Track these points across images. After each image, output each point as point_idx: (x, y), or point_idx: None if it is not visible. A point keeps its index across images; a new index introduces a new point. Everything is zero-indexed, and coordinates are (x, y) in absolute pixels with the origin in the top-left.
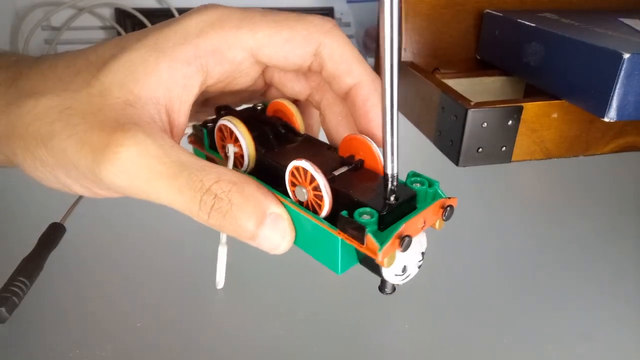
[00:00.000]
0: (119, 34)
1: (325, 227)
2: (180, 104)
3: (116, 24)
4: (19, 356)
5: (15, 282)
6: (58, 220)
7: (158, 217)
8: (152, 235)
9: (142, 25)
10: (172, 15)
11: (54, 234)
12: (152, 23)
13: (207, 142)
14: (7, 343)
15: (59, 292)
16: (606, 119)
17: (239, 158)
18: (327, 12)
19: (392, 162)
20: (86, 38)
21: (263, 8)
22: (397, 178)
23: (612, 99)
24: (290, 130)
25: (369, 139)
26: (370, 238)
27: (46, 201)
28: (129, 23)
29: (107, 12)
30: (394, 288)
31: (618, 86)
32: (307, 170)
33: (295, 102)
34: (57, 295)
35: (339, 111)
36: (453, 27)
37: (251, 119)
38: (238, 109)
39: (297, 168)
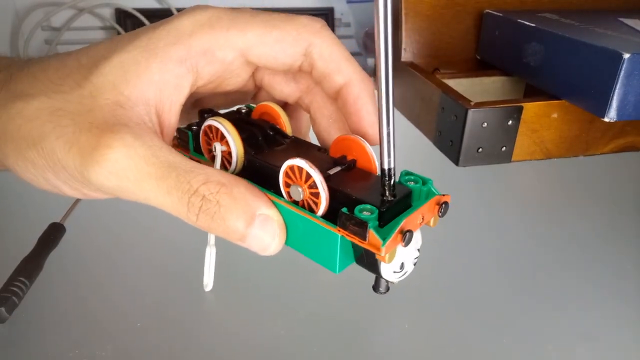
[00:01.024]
0: (119, 34)
1: (324, 225)
2: (171, 104)
3: (116, 24)
4: (19, 356)
5: (15, 282)
6: (58, 221)
7: (158, 218)
8: (151, 235)
9: (142, 26)
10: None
11: (53, 234)
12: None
13: (192, 145)
14: (7, 343)
15: (58, 292)
16: (606, 119)
17: (226, 157)
18: (327, 12)
19: (389, 156)
20: (86, 38)
21: (256, 9)
22: (395, 173)
23: (612, 99)
24: (278, 132)
25: (361, 139)
26: (372, 233)
27: (46, 201)
28: (129, 23)
29: (108, 13)
30: (387, 287)
31: (618, 86)
32: (302, 168)
33: (285, 105)
34: (57, 295)
35: (330, 113)
36: (453, 27)
37: (238, 122)
38: (222, 112)
39: (291, 167)
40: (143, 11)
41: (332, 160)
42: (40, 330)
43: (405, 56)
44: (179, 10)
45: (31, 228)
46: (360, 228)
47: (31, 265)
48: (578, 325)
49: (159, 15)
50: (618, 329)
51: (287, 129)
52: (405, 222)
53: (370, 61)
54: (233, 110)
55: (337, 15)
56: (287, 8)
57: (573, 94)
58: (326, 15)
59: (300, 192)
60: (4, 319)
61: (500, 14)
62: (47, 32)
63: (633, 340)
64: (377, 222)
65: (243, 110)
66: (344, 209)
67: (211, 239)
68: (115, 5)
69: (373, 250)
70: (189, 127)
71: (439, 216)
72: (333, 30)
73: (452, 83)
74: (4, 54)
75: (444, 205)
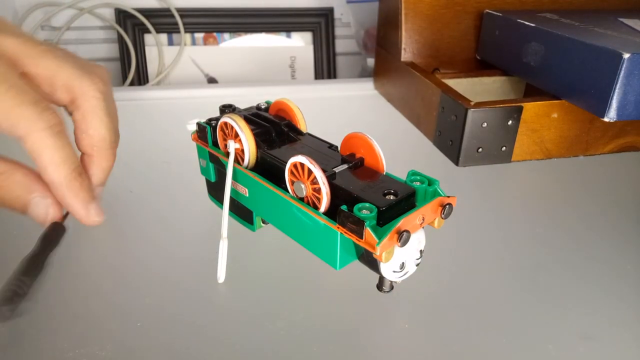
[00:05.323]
0: (119, 34)
1: (325, 221)
2: None
3: (116, 24)
4: (19, 356)
5: (16, 282)
6: (58, 220)
7: (157, 217)
8: (151, 235)
9: (142, 26)
10: (172, 16)
11: (54, 233)
12: (153, 23)
13: (210, 139)
14: (7, 343)
15: (58, 291)
16: (606, 119)
17: (240, 154)
18: (327, 12)
19: None
20: (86, 38)
21: (256, 10)
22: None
23: (612, 99)
24: (293, 128)
25: (370, 137)
26: (369, 232)
27: None
28: (129, 23)
29: (108, 13)
30: (392, 286)
31: (618, 86)
32: (304, 165)
33: None
34: (57, 295)
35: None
36: (453, 27)
37: (254, 118)
38: (242, 107)
39: (295, 165)
40: (143, 11)
41: (340, 157)
42: (40, 330)
43: (405, 56)
44: (178, 10)
45: (31, 228)
46: (357, 226)
47: (32, 265)
48: (578, 325)
49: (158, 16)
50: (618, 329)
51: (302, 125)
52: (402, 222)
53: (370, 61)
54: (252, 106)
55: (337, 15)
56: (288, 8)
57: (573, 94)
58: (326, 16)
59: (303, 189)
60: (6, 318)
61: (500, 14)
62: (47, 32)
63: (633, 340)
64: (374, 221)
65: (263, 106)
66: (344, 207)
67: (224, 232)
68: (115, 5)
69: (369, 249)
70: (209, 121)
71: (442, 218)
72: (333, 30)
73: (452, 83)
74: None
75: (447, 206)
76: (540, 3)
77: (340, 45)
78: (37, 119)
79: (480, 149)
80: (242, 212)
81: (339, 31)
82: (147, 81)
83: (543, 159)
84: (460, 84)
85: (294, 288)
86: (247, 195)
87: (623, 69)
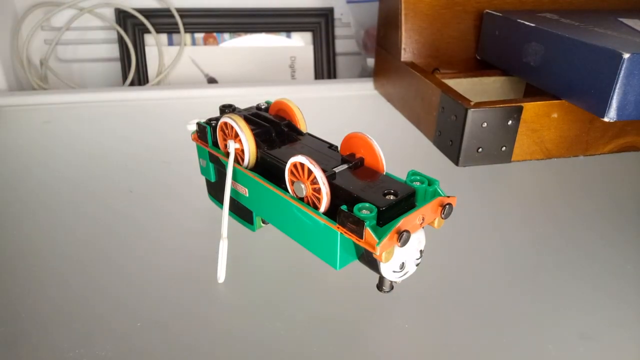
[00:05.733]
0: (119, 34)
1: (325, 221)
2: None
3: (116, 24)
4: (19, 356)
5: None
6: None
7: (157, 217)
8: (151, 235)
9: (142, 26)
10: (172, 16)
11: None
12: (153, 23)
13: (210, 139)
14: (7, 343)
15: (58, 291)
16: (606, 119)
17: (240, 154)
18: (327, 12)
19: None
20: (86, 38)
21: (257, 10)
22: None
23: (612, 99)
24: (293, 129)
25: (370, 137)
26: (369, 232)
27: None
28: (129, 23)
29: (108, 13)
30: (392, 286)
31: (618, 86)
32: (304, 165)
33: None
34: (56, 295)
35: None
36: (453, 27)
37: (254, 118)
38: (242, 107)
39: (295, 165)
40: (143, 11)
41: (340, 157)
42: (40, 330)
43: (405, 56)
44: (178, 10)
45: (30, 228)
46: (357, 226)
47: None
48: (578, 325)
49: (159, 16)
50: (618, 329)
51: (302, 125)
52: (402, 222)
53: (370, 61)
54: (252, 106)
55: (337, 15)
56: (288, 8)
57: (573, 94)
58: (326, 16)
59: (303, 189)
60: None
61: (500, 14)
62: (47, 32)
63: (633, 340)
64: (374, 221)
65: (263, 106)
66: (344, 207)
67: (224, 232)
68: (115, 5)
69: (369, 249)
70: (209, 121)
71: (442, 218)
72: (333, 30)
73: (452, 83)
74: None
75: (447, 206)
76: (540, 3)
77: (340, 45)
78: None
79: (480, 149)
80: (242, 212)
81: (339, 31)
82: (147, 81)
83: (543, 159)
84: (460, 84)
85: (294, 288)
86: (247, 195)
87: (623, 69)
